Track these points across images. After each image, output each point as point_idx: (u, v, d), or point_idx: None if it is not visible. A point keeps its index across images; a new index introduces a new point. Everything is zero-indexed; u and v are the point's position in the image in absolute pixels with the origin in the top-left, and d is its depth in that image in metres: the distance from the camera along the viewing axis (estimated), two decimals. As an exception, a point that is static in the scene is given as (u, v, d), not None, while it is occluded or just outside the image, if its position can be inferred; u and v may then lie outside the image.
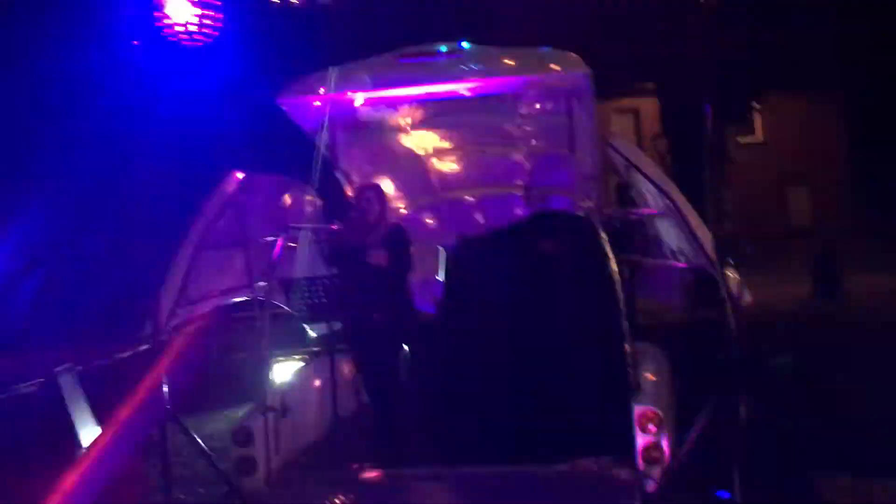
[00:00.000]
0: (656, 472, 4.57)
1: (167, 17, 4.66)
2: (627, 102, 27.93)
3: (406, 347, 5.88)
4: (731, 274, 4.71)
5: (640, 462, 4.60)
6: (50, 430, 4.66)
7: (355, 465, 5.10)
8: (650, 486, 4.55)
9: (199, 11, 4.69)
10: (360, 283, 5.37)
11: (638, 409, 4.64)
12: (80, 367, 4.85)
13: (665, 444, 4.61)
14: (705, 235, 4.83)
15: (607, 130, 29.89)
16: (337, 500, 4.69)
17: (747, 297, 4.86)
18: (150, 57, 5.22)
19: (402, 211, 7.45)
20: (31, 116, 6.99)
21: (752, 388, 4.43)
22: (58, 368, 4.72)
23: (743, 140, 28.63)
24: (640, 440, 4.60)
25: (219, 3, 4.71)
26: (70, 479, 4.08)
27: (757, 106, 27.77)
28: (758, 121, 29.41)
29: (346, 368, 6.00)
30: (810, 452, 4.91)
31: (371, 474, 5.02)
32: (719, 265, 4.61)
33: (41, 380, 4.71)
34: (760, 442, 4.60)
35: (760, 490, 4.50)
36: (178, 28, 4.70)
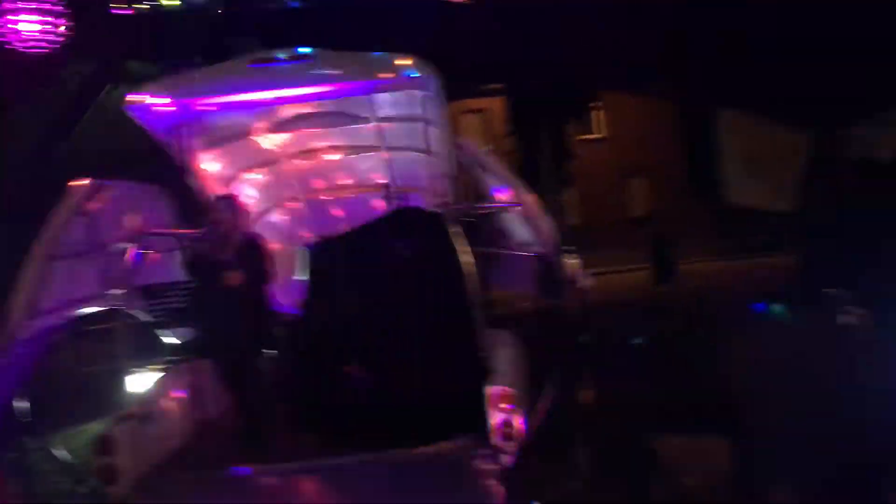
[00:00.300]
0: (511, 446, 4.88)
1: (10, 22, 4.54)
2: (474, 103, 28.77)
3: (266, 350, 5.98)
4: (570, 261, 5.13)
5: (496, 439, 4.89)
6: None
7: (222, 466, 5.14)
8: (506, 461, 4.86)
9: (41, 19, 4.60)
10: (217, 291, 5.38)
11: (492, 390, 4.93)
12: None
13: (518, 420, 4.94)
14: (547, 227, 5.22)
15: (456, 131, 30.33)
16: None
17: (585, 280, 5.30)
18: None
19: (264, 214, 7.53)
20: None
21: (594, 363, 4.85)
22: None
23: (585, 136, 30.14)
24: (495, 419, 4.90)
25: (66, 11, 4.63)
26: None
27: (596, 104, 29.31)
28: (597, 118, 31.03)
29: (206, 374, 5.99)
30: (651, 418, 5.43)
31: (238, 474, 5.06)
32: (559, 254, 5.00)
33: None
34: (604, 411, 5.02)
35: (605, 454, 4.93)
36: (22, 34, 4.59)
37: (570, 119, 17.20)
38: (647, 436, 5.03)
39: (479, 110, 30.17)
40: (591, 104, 29.03)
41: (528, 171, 15.70)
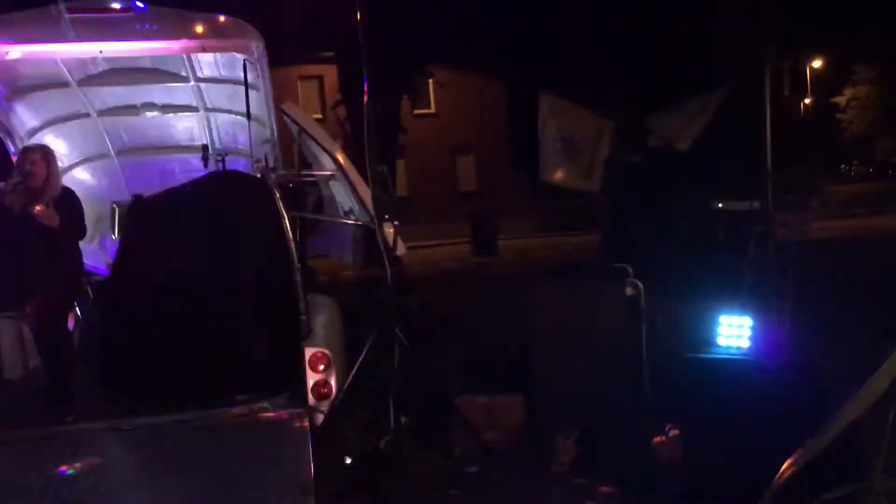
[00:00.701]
0: (325, 405, 5.09)
1: None
2: (312, 69, 28.46)
3: (77, 309, 5.81)
4: (388, 229, 5.37)
5: (310, 398, 5.08)
6: None
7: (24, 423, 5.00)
8: (319, 419, 5.06)
9: None
10: (27, 247, 5.19)
11: (308, 352, 5.10)
12: None
13: (332, 380, 5.14)
14: (367, 196, 5.43)
15: (293, 96, 29.91)
16: None
17: (401, 248, 5.57)
18: None
19: (76, 171, 7.23)
20: None
21: (405, 325, 5.13)
22: None
23: (418, 111, 30.57)
24: (311, 379, 5.08)
25: None
26: None
27: (430, 80, 29.79)
28: (431, 94, 31.58)
29: (12, 331, 5.77)
30: (454, 379, 5.82)
31: (42, 432, 4.93)
32: (378, 221, 5.23)
33: None
34: (416, 375, 5.32)
35: (415, 414, 5.24)
36: None
37: (406, 93, 17.38)
38: (453, 397, 5.40)
39: (318, 76, 29.83)
40: (427, 80, 29.56)
41: (359, 141, 15.81)
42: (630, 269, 5.48)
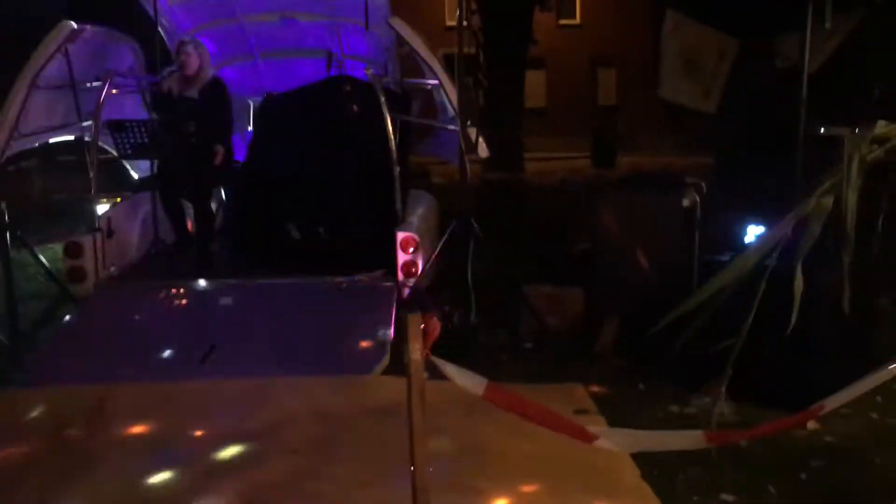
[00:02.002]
0: (410, 282, 5.99)
1: None
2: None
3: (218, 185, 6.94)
4: (471, 133, 6.09)
5: (399, 275, 5.99)
6: None
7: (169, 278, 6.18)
8: (405, 293, 5.97)
9: None
10: (179, 127, 6.28)
11: (400, 235, 5.98)
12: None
13: (419, 261, 6.02)
14: (458, 103, 6.13)
15: (440, 4, 30.06)
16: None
17: (483, 151, 6.29)
18: None
19: (223, 66, 8.32)
20: None
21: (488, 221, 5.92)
22: None
23: (563, 22, 30.31)
24: (401, 258, 5.98)
25: None
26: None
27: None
28: (578, 4, 31.14)
29: (166, 201, 6.95)
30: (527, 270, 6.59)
31: (182, 287, 6.08)
32: (462, 125, 5.95)
33: None
34: (490, 261, 6.13)
35: (486, 296, 6.06)
36: None
37: (542, 2, 17.45)
38: (522, 285, 6.16)
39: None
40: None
41: (488, 51, 16.27)
42: (698, 183, 5.95)
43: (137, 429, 4.39)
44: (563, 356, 5.46)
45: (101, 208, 6.56)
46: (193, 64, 6.31)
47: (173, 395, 4.70)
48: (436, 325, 2.50)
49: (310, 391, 4.78)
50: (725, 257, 4.49)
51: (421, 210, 6.84)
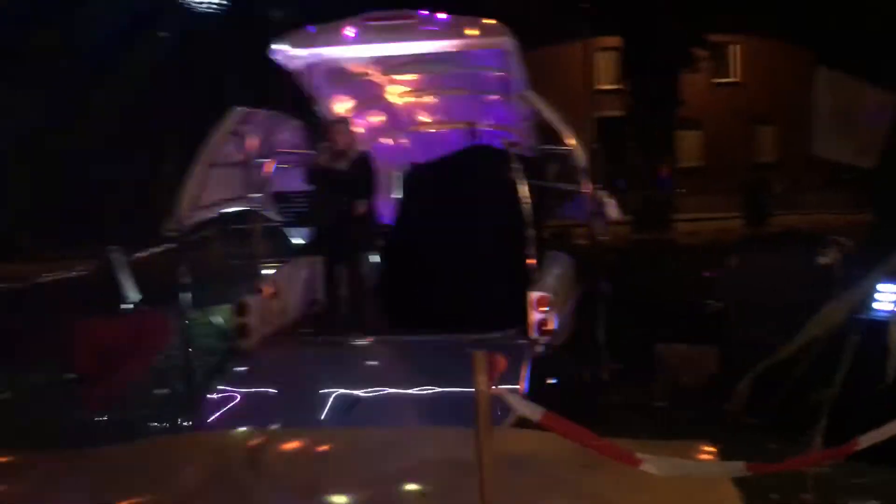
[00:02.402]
0: (544, 339, 6.21)
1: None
2: (609, 41, 28.94)
3: (368, 250, 7.52)
4: (604, 198, 6.32)
5: (533, 332, 6.23)
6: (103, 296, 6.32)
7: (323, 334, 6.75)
8: (539, 350, 6.20)
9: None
10: (331, 199, 6.92)
11: (534, 294, 6.25)
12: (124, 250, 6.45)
13: (553, 319, 6.25)
14: (587, 168, 6.40)
15: (589, 68, 30.35)
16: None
17: (615, 214, 6.49)
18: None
19: (372, 141, 9.03)
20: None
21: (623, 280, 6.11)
22: (110, 249, 6.35)
23: (719, 80, 29.92)
24: (534, 317, 6.24)
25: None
26: (117, 325, 5.78)
27: (734, 48, 28.97)
28: (736, 63, 30.65)
29: (321, 265, 7.60)
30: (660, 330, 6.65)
31: (334, 343, 6.63)
32: (596, 190, 6.21)
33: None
34: (624, 319, 6.28)
35: (619, 355, 6.20)
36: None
37: (688, 64, 17.46)
38: (655, 344, 6.26)
39: (614, 48, 30.21)
40: (727, 48, 28.74)
41: (636, 112, 16.42)
42: (843, 241, 5.88)
43: (292, 470, 4.86)
44: (695, 415, 5.49)
45: (269, 271, 7.28)
46: (343, 141, 6.95)
47: (323, 440, 5.16)
48: (501, 361, 2.76)
49: (442, 441, 5.09)
50: (864, 316, 4.45)
51: (557, 270, 7.08)
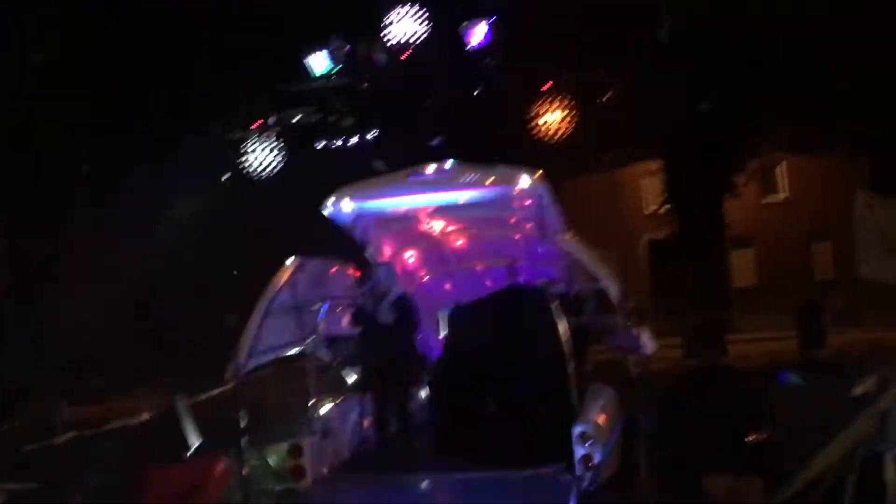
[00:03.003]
0: (589, 475, 6.33)
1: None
2: (655, 165, 29.50)
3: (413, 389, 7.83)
4: (640, 331, 6.56)
5: (578, 468, 6.36)
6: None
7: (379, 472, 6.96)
8: (584, 485, 6.31)
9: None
10: (376, 339, 7.31)
11: (578, 429, 6.41)
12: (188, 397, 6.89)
13: (597, 455, 6.38)
14: (622, 303, 6.67)
15: (635, 192, 30.68)
16: None
17: (651, 347, 6.68)
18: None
19: (423, 279, 9.50)
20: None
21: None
22: (176, 397, 6.79)
23: (768, 200, 30.08)
24: (579, 452, 6.38)
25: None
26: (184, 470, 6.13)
27: (781, 165, 29.19)
28: (784, 180, 30.85)
29: (370, 404, 7.88)
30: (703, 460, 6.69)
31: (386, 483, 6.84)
32: (631, 323, 6.46)
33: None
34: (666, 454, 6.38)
35: (664, 487, 6.26)
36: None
37: (727, 183, 17.66)
38: (699, 474, 6.30)
39: (658, 171, 30.75)
40: (775, 165, 29.04)
41: (682, 240, 16.64)
42: (883, 368, 5.95)
43: None
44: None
45: (324, 409, 7.61)
46: (384, 284, 7.41)
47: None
48: None
49: None
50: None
51: (601, 403, 7.23)
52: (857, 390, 5.78)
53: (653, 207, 28.56)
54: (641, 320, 6.69)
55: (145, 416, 6.92)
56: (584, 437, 6.40)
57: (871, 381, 5.79)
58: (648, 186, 29.24)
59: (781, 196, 30.66)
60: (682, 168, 17.33)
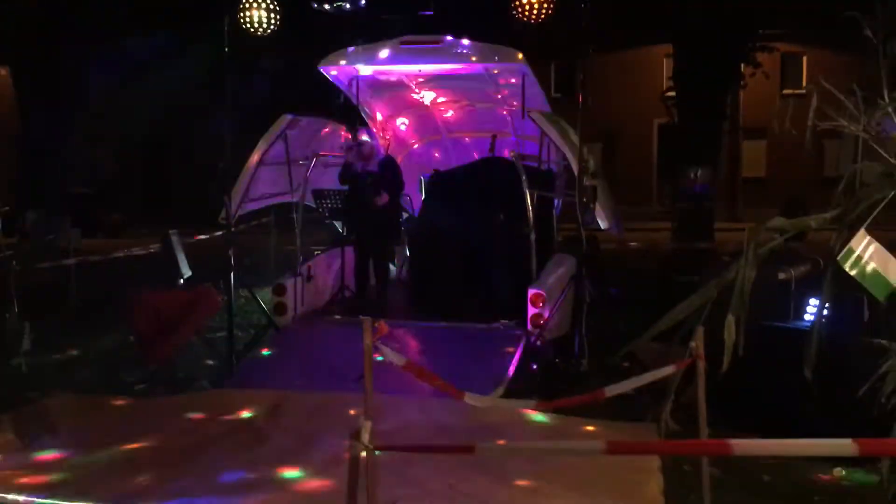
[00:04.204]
0: (538, 332, 7.06)
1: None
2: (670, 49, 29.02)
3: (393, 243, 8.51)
4: (597, 208, 7.11)
5: (528, 325, 7.09)
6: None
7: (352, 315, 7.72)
8: (534, 340, 7.05)
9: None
10: (360, 195, 7.91)
11: (531, 291, 7.10)
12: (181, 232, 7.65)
13: (546, 314, 7.08)
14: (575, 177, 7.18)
15: (659, 72, 30.28)
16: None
17: (603, 223, 7.25)
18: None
19: (414, 144, 10.01)
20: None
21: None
22: (169, 231, 7.53)
23: (788, 91, 29.78)
24: (530, 311, 7.09)
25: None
26: (173, 297, 6.94)
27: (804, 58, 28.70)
28: (804, 73, 30.44)
29: (352, 256, 8.59)
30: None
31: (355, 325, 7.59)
32: (578, 200, 7.00)
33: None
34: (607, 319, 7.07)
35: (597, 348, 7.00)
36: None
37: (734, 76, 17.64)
38: (633, 342, 6.99)
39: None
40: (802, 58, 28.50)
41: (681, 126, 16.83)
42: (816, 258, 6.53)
43: (299, 424, 5.84)
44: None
45: (305, 256, 8.31)
46: (368, 146, 7.94)
47: (329, 402, 6.14)
48: (384, 327, 3.57)
49: (433, 409, 6.00)
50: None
51: (560, 271, 7.87)
52: (782, 275, 6.38)
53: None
54: (597, 199, 7.21)
55: (150, 248, 7.70)
56: (535, 298, 7.09)
57: (802, 268, 6.37)
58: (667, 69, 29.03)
59: (802, 90, 30.33)
60: (695, 53, 17.18)
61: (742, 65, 16.79)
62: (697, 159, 16.76)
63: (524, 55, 7.64)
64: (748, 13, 15.15)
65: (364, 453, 2.65)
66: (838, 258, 3.36)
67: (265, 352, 7.38)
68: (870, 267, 3.28)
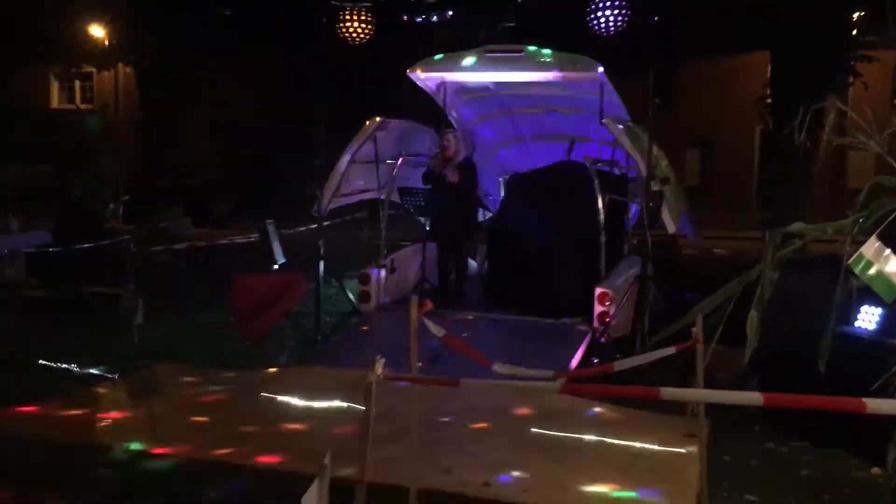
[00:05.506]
0: (605, 329, 7.43)
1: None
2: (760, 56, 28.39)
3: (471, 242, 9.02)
4: (665, 215, 7.42)
5: (595, 322, 7.47)
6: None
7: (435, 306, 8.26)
8: (599, 337, 7.42)
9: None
10: (441, 195, 8.44)
11: (598, 290, 7.48)
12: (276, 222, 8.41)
13: (612, 311, 7.44)
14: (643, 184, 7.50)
15: (735, 82, 29.97)
16: None
17: (671, 227, 7.53)
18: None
19: (496, 147, 10.51)
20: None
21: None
22: (266, 220, 8.30)
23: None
24: (597, 309, 7.47)
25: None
26: (268, 280, 7.68)
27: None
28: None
29: (434, 251, 9.11)
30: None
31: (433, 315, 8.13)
32: (645, 205, 7.33)
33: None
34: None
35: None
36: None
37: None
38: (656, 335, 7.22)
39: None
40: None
41: (780, 134, 16.59)
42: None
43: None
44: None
45: (391, 248, 8.92)
46: (451, 148, 8.42)
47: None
48: (428, 303, 4.02)
49: (496, 393, 6.46)
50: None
51: (629, 272, 8.19)
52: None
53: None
54: (665, 205, 7.51)
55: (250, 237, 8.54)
56: (602, 297, 7.46)
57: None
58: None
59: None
60: (791, 60, 16.90)
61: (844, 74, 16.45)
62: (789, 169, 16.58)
63: (606, 65, 8.01)
64: (846, 22, 14.91)
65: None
66: (849, 262, 3.66)
67: (348, 336, 8.02)
68: (876, 270, 3.56)
